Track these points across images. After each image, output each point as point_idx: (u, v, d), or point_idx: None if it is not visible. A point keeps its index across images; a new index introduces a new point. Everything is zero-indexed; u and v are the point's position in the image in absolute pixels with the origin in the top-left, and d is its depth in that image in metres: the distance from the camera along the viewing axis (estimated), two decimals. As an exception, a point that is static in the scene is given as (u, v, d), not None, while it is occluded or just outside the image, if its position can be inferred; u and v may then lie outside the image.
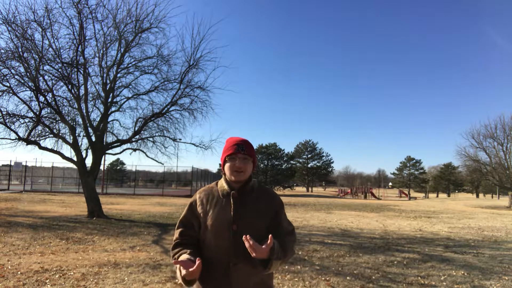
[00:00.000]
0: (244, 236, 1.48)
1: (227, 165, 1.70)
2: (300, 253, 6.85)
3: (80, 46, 11.16)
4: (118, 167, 63.06)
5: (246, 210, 1.64)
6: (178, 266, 1.53)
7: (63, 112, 11.63)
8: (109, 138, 13.34)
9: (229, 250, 1.57)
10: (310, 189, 76.36)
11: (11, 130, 10.93)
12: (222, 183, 1.75)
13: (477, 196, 67.27)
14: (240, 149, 1.67)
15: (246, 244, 1.46)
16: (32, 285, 4.33)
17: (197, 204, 1.72)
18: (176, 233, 1.73)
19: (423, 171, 75.98)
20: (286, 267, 5.61)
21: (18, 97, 10.93)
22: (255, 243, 1.46)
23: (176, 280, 4.69)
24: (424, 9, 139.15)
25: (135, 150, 13.44)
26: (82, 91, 11.79)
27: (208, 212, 1.67)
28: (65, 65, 11.17)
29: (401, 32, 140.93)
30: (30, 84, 10.75)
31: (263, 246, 1.47)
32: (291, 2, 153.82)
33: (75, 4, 10.83)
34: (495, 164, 32.28)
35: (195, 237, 1.70)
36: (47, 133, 11.86)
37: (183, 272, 1.48)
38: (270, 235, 1.50)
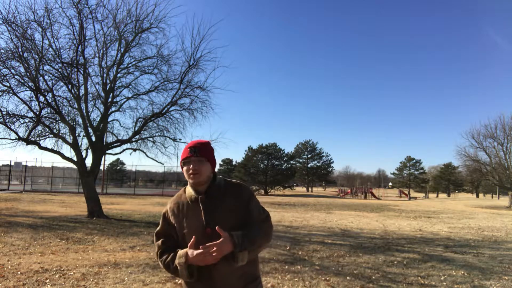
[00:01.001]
0: (217, 227, 1.54)
1: (183, 170, 1.73)
2: (300, 253, 6.85)
3: (80, 46, 11.16)
4: (118, 167, 63.05)
5: (216, 211, 1.66)
6: (184, 259, 1.58)
7: (63, 112, 11.64)
8: (109, 138, 13.36)
9: None
10: (310, 189, 76.35)
11: (11, 130, 10.94)
12: (188, 189, 1.77)
13: (477, 196, 67.24)
14: (192, 152, 1.69)
15: (214, 243, 1.53)
16: (32, 285, 4.33)
17: (170, 215, 1.76)
18: (157, 244, 1.75)
19: (423, 171, 75.93)
20: (286, 267, 5.61)
21: (18, 97, 10.96)
22: (213, 244, 1.52)
23: (176, 280, 4.69)
24: (424, 9, 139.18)
25: (135, 150, 13.44)
26: (82, 91, 11.81)
27: (181, 221, 1.70)
28: (65, 65, 11.17)
29: (401, 32, 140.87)
30: (30, 84, 10.76)
31: (217, 242, 1.53)
32: (291, 2, 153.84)
33: (75, 4, 10.84)
34: (495, 164, 32.27)
35: (176, 246, 1.72)
36: (47, 133, 11.87)
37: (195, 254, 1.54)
38: (218, 228, 1.55)
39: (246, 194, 1.73)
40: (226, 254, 1.54)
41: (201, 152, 1.70)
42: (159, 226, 1.79)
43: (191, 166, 1.68)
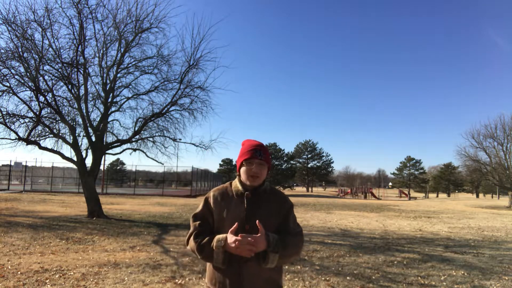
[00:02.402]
0: (257, 221, 1.59)
1: (243, 169, 1.75)
2: (300, 253, 6.84)
3: (80, 46, 11.15)
4: (118, 167, 63.00)
5: (258, 210, 1.70)
6: (221, 244, 1.60)
7: (63, 112, 11.63)
8: (109, 138, 13.34)
9: None
10: (310, 189, 76.34)
11: (11, 130, 10.93)
12: (236, 184, 1.79)
13: (477, 196, 67.24)
14: (257, 155, 1.72)
15: (252, 236, 1.56)
16: (32, 285, 4.33)
17: (212, 201, 1.76)
18: (193, 225, 1.76)
19: (423, 171, 75.95)
20: (286, 267, 5.61)
21: (18, 97, 10.94)
22: (252, 236, 1.56)
23: (176, 281, 4.69)
24: (424, 10, 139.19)
25: (135, 150, 13.43)
26: (82, 91, 11.80)
27: (223, 210, 1.72)
28: (65, 65, 11.16)
29: (401, 32, 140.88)
30: (30, 84, 10.75)
31: (255, 235, 1.56)
32: (291, 2, 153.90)
33: (75, 4, 10.83)
34: (495, 164, 32.26)
35: (210, 231, 1.74)
36: (47, 133, 11.85)
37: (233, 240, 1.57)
38: (258, 223, 1.58)
39: (287, 205, 1.81)
40: (258, 254, 1.57)
41: (264, 156, 1.74)
42: (199, 209, 1.80)
43: (254, 168, 1.71)
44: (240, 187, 1.75)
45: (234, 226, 1.61)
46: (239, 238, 1.55)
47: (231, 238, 1.58)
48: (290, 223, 1.77)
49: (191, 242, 1.72)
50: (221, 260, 1.62)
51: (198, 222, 1.75)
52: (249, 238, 1.54)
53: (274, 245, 1.59)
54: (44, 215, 12.01)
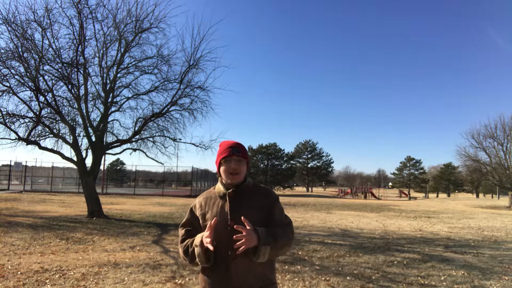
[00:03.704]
0: (242, 217, 1.57)
1: (222, 168, 1.76)
2: (300, 253, 6.85)
3: (80, 46, 11.16)
4: (118, 167, 63.03)
5: (241, 206, 1.71)
6: (199, 240, 1.63)
7: (63, 112, 11.63)
8: (109, 138, 13.34)
9: (228, 245, 1.61)
10: (310, 189, 76.35)
11: (11, 130, 10.93)
12: (218, 186, 1.82)
13: (477, 196, 67.22)
14: (234, 152, 1.75)
15: (241, 235, 1.54)
16: (32, 285, 4.33)
17: (197, 208, 1.81)
18: (181, 232, 1.82)
19: (423, 171, 75.93)
20: (286, 267, 5.61)
21: (18, 97, 10.95)
22: (246, 231, 1.55)
23: (176, 281, 4.69)
24: (424, 9, 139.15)
25: (135, 150, 13.44)
26: (82, 91, 11.80)
27: (206, 214, 1.75)
28: (65, 65, 11.16)
29: (401, 33, 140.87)
30: (30, 84, 10.75)
31: (244, 233, 1.55)
32: (291, 2, 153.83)
33: (75, 4, 10.83)
34: (495, 164, 32.25)
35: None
36: (47, 133, 11.86)
37: (206, 238, 1.58)
38: (244, 219, 1.57)
39: (271, 198, 1.80)
40: (247, 248, 1.56)
41: (241, 152, 1.76)
42: (185, 219, 1.86)
43: (232, 165, 1.72)
44: (222, 188, 1.78)
45: (213, 220, 1.61)
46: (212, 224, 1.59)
47: (207, 232, 1.60)
48: (277, 215, 1.76)
49: (179, 249, 1.77)
50: (204, 258, 1.62)
51: (184, 229, 1.81)
52: (241, 238, 1.54)
53: (265, 238, 1.58)
54: (44, 215, 12.01)
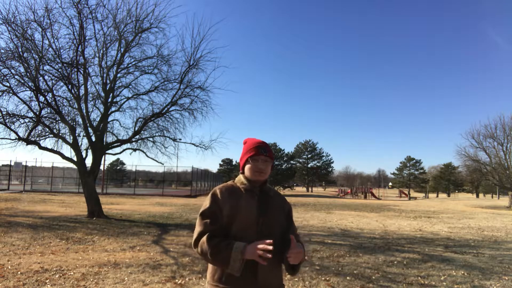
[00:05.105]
0: (291, 235, 1.60)
1: (248, 166, 1.73)
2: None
3: (80, 46, 11.15)
4: (118, 167, 63.03)
5: (269, 205, 1.71)
6: (249, 248, 1.52)
7: (63, 112, 11.63)
8: (109, 138, 13.35)
9: (255, 240, 1.56)
10: (310, 189, 76.34)
11: (11, 130, 10.93)
12: (242, 180, 1.75)
13: (477, 196, 67.21)
14: (262, 151, 1.74)
15: (292, 244, 1.57)
16: (32, 285, 4.32)
17: (220, 197, 1.67)
18: (203, 223, 1.63)
19: (423, 171, 75.94)
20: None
21: (18, 97, 10.95)
22: (295, 245, 1.57)
23: (176, 281, 4.69)
24: (424, 10, 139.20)
25: (135, 150, 13.44)
26: (82, 91, 11.79)
27: (233, 205, 1.64)
28: (65, 65, 11.16)
29: (401, 33, 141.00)
30: (30, 84, 10.75)
31: (295, 250, 1.56)
32: (291, 2, 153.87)
33: (75, 4, 10.83)
34: (495, 164, 32.24)
35: (222, 229, 1.64)
36: (47, 133, 11.86)
37: (260, 249, 1.48)
38: (292, 237, 1.59)
39: (288, 205, 1.86)
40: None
41: (268, 153, 1.76)
42: (207, 206, 1.66)
43: (259, 164, 1.72)
44: (247, 183, 1.73)
45: (269, 241, 1.48)
46: (266, 247, 1.47)
47: (255, 247, 1.50)
48: (293, 224, 1.81)
49: (203, 243, 1.57)
50: (237, 269, 1.53)
51: (208, 221, 1.62)
52: (294, 253, 1.55)
53: (305, 255, 1.62)
54: (44, 215, 12.01)
